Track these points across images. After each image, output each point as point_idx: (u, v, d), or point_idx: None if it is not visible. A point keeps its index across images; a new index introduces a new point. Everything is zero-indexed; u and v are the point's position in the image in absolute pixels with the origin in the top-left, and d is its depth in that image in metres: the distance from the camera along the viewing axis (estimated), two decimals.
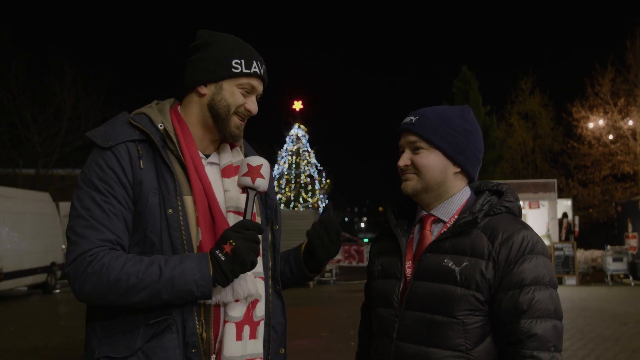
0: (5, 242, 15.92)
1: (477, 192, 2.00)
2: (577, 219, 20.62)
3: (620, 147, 27.43)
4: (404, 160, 1.94)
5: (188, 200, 1.85)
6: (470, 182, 2.00)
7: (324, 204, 33.14)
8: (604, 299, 14.95)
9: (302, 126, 34.30)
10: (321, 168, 34.35)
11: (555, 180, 19.71)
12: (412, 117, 1.94)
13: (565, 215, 20.23)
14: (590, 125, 27.44)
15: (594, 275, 20.09)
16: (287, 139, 34.03)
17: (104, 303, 1.75)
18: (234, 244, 1.74)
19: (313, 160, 34.07)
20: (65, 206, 21.22)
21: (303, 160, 33.75)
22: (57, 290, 18.57)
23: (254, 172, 1.87)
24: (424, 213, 1.98)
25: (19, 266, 16.29)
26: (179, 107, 2.02)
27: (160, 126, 1.89)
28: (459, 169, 1.93)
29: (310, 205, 32.55)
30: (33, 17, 49.01)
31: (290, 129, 34.31)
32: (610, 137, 27.51)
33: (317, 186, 33.68)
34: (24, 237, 16.81)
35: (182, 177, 1.87)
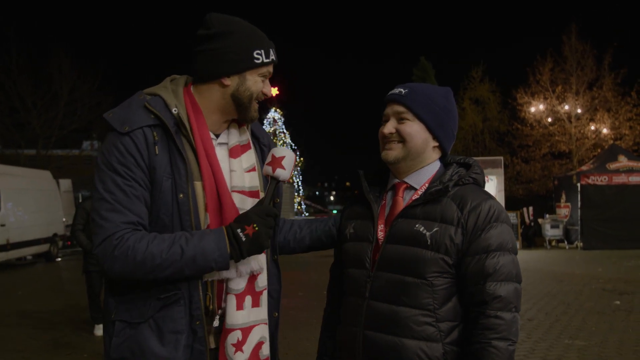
0: (11, 215, 15.58)
1: (445, 164, 1.94)
2: (531, 209, 20.78)
3: (558, 128, 27.74)
4: (389, 128, 1.86)
5: (198, 185, 1.77)
6: (443, 156, 1.93)
7: (297, 179, 33.07)
8: (543, 261, 15.27)
9: (278, 110, 33.98)
10: (295, 147, 34.13)
11: (501, 158, 19.91)
12: (402, 89, 1.87)
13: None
14: (532, 109, 27.67)
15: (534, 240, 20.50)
16: (264, 122, 33.69)
17: (133, 279, 1.70)
18: (257, 228, 1.70)
19: (288, 140, 33.85)
20: (64, 183, 20.85)
21: (279, 141, 33.50)
22: (59, 259, 18.28)
23: (276, 162, 1.81)
24: (396, 181, 1.90)
25: (24, 237, 15.98)
26: (192, 88, 1.89)
27: (175, 111, 1.77)
28: (437, 143, 1.87)
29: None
30: (33, 9, 47.54)
31: (268, 112, 33.99)
32: (549, 120, 27.79)
33: None
34: (28, 211, 16.42)
35: (194, 163, 1.78)
